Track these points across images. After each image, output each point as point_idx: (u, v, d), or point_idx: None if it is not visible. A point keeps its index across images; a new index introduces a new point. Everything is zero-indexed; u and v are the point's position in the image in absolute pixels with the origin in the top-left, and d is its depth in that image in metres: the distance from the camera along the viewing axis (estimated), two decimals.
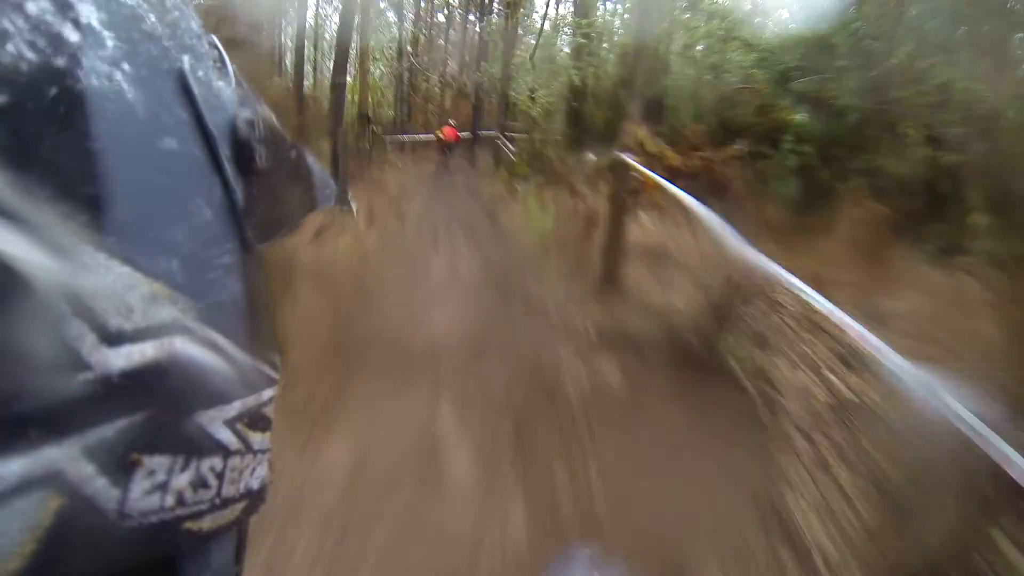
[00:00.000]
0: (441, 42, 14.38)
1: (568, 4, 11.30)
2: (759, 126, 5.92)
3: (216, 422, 0.23)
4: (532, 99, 9.89)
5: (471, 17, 13.75)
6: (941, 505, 1.68)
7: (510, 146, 10.53)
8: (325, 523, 1.81)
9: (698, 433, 2.44)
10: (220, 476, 0.24)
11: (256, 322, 0.28)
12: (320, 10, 11.03)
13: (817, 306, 2.23)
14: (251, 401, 0.25)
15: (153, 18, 0.25)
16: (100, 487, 0.18)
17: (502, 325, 3.57)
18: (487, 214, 7.16)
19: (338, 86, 6.50)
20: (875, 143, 5.14)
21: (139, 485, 0.20)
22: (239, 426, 0.25)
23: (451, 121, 12.44)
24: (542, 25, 11.64)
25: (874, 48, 5.27)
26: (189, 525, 0.22)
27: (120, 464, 0.19)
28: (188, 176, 0.25)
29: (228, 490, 0.24)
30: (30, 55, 0.18)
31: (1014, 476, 1.29)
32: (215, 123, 0.26)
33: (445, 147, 11.92)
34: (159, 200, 0.23)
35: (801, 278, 2.37)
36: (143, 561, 0.21)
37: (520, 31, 11.92)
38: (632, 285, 4.09)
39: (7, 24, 0.18)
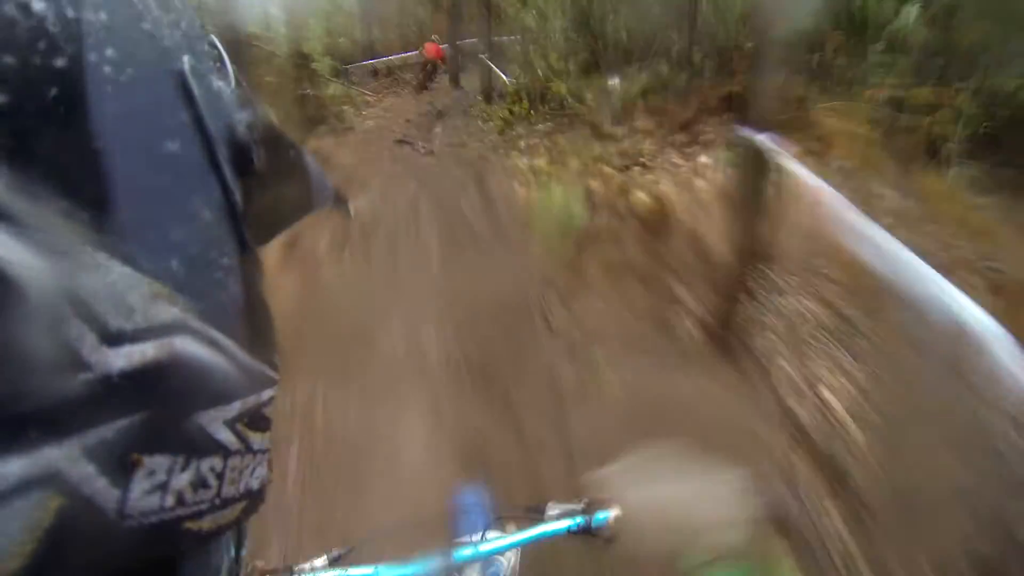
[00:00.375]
0: None
1: None
2: None
3: (216, 422, 0.23)
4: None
5: None
6: None
7: (499, 70, 7.75)
8: None
9: None
10: (220, 476, 0.24)
11: (256, 322, 0.28)
12: None
13: None
14: (251, 401, 0.25)
15: (153, 18, 0.25)
16: (100, 487, 0.18)
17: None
18: (480, 190, 4.96)
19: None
20: None
21: (139, 485, 0.20)
22: (239, 426, 0.25)
23: (434, 36, 10.57)
24: None
25: None
26: (189, 525, 0.22)
27: (120, 464, 0.19)
28: (188, 176, 0.25)
29: (228, 490, 0.24)
30: (30, 55, 0.18)
31: None
32: (215, 124, 0.26)
33: (428, 69, 10.05)
34: (159, 200, 0.23)
35: None
36: (143, 561, 0.21)
37: None
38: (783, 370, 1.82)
39: (8, 24, 0.18)
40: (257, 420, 0.26)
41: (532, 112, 6.10)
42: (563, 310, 2.47)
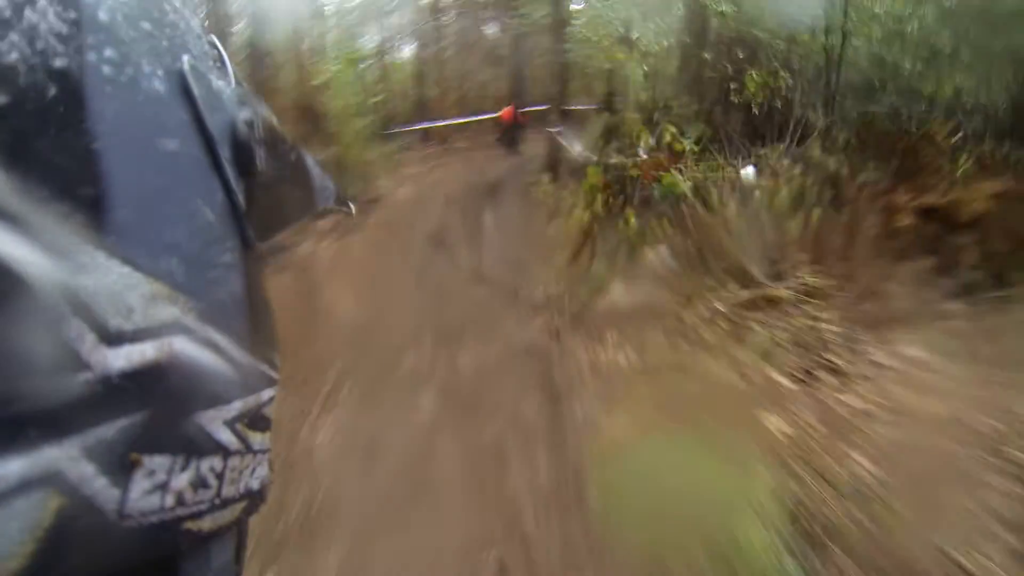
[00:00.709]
0: None
1: None
2: None
3: (216, 422, 0.23)
4: (628, 48, 4.89)
5: None
6: None
7: (575, 144, 5.74)
8: None
9: None
10: (220, 476, 0.24)
11: (256, 322, 0.28)
12: None
13: None
14: (251, 401, 0.25)
15: (153, 18, 0.25)
16: (100, 487, 0.18)
17: None
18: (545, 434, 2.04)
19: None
20: None
21: (139, 485, 0.20)
22: (239, 426, 0.25)
23: (515, 100, 8.52)
24: None
25: None
26: (189, 525, 0.22)
27: (120, 464, 0.19)
28: (188, 176, 0.25)
29: (228, 490, 0.24)
30: (31, 55, 0.18)
31: None
32: (215, 123, 0.26)
33: (507, 134, 8.27)
34: (159, 200, 0.23)
35: None
36: (143, 561, 0.21)
37: None
38: None
39: (8, 25, 0.18)
40: (257, 420, 0.26)
41: (628, 214, 3.55)
42: None
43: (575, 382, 2.37)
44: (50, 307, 0.17)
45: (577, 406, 2.19)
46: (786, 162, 3.43)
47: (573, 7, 6.46)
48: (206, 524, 0.23)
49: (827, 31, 3.69)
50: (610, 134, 4.69)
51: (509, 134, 8.50)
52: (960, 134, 3.16)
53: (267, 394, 0.27)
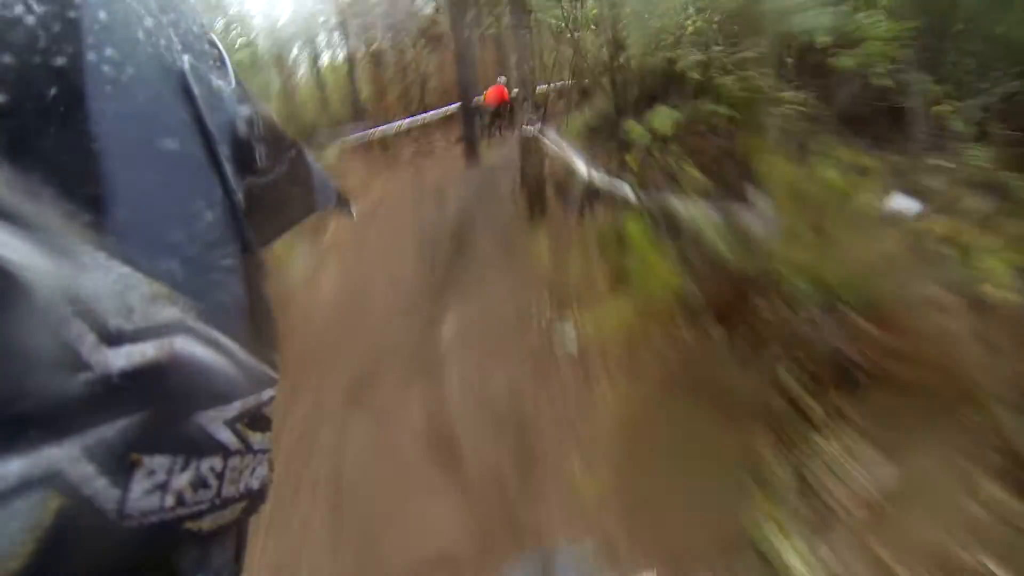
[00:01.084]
0: None
1: None
2: None
3: (216, 422, 0.23)
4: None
5: None
6: None
7: (567, 150, 3.87)
8: None
9: None
10: (220, 476, 0.24)
11: (257, 322, 0.28)
12: None
13: None
14: (251, 401, 0.25)
15: (153, 18, 0.25)
16: (100, 487, 0.18)
17: None
18: None
19: None
20: None
21: (139, 485, 0.20)
22: (239, 426, 0.25)
23: (500, 78, 7.09)
24: None
25: None
26: (189, 525, 0.22)
27: (120, 464, 0.19)
28: (189, 176, 0.25)
29: (228, 490, 0.24)
30: (30, 55, 0.18)
31: None
32: (215, 123, 0.26)
33: (493, 120, 6.82)
34: (160, 200, 0.23)
35: None
36: (143, 561, 0.21)
37: None
38: None
39: (7, 24, 0.18)
40: (257, 420, 0.26)
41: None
42: None
43: None
44: (50, 307, 0.17)
45: None
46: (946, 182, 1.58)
47: None
48: (206, 524, 0.23)
49: None
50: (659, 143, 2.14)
51: (497, 121, 6.99)
52: None
53: (267, 394, 0.27)
